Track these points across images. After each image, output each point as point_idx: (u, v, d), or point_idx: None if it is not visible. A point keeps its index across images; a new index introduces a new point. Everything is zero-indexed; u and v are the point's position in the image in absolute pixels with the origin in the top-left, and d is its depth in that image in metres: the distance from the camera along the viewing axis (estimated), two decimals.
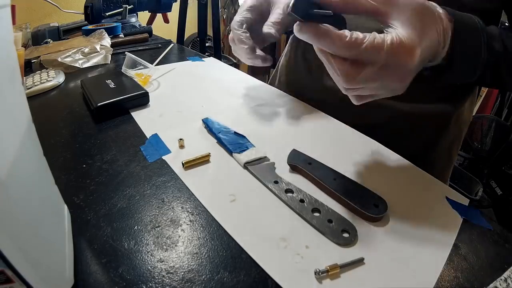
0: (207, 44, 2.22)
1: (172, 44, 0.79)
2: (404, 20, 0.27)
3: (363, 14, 0.28)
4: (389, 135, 0.43)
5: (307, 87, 0.55)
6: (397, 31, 0.27)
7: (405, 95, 0.33)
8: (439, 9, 0.30)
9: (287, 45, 0.63)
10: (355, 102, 0.33)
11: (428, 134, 0.51)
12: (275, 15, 0.46)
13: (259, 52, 0.46)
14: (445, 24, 0.30)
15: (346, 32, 0.26)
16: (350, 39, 0.26)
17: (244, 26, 0.46)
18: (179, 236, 0.27)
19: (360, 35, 0.26)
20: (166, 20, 1.34)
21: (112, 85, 0.50)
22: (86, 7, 0.89)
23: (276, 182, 0.33)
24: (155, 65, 0.59)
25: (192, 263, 0.25)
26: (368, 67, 0.27)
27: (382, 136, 0.43)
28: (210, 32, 1.74)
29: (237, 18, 0.47)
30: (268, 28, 0.45)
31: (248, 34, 0.45)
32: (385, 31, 0.28)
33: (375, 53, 0.26)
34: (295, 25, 0.27)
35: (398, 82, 0.29)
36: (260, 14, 0.48)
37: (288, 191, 0.32)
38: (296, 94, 0.55)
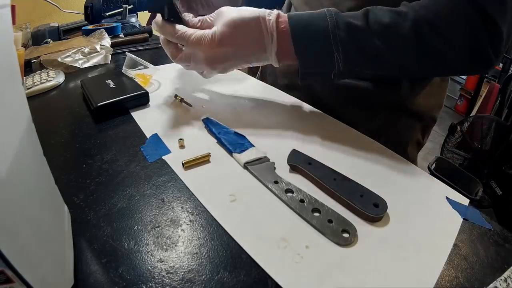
0: None
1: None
2: (220, 26, 0.38)
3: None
4: (334, 110, 0.48)
5: (282, 73, 0.61)
6: (209, 31, 0.39)
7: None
8: (270, 23, 0.38)
9: None
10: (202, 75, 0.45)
11: (384, 115, 0.52)
12: None
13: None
14: (272, 35, 0.38)
15: (178, 28, 0.40)
16: (177, 32, 0.40)
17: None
18: (179, 236, 0.27)
19: (184, 30, 0.39)
20: None
21: (112, 85, 0.50)
22: (86, 7, 0.89)
23: (276, 182, 0.33)
24: (131, 53, 0.59)
25: (192, 263, 0.25)
26: (182, 51, 0.42)
27: (329, 111, 0.47)
28: None
29: None
30: None
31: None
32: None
33: (183, 42, 0.40)
34: (154, 21, 0.42)
35: (204, 65, 0.41)
36: None
37: (288, 191, 0.32)
38: (271, 81, 0.61)
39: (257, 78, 0.62)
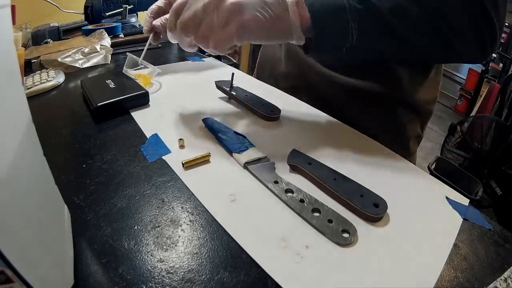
0: None
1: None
2: None
3: None
4: (342, 109, 0.49)
5: (283, 76, 0.61)
6: None
7: (345, 69, 0.49)
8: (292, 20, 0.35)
9: None
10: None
11: (379, 110, 0.53)
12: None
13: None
14: (293, 18, 0.35)
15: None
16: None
17: (152, 12, 0.53)
18: (179, 236, 0.27)
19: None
20: None
21: (112, 85, 0.50)
22: (86, 7, 0.89)
23: (276, 182, 0.33)
24: (142, 59, 0.59)
25: (192, 263, 0.25)
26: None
27: (336, 110, 0.48)
28: None
29: (152, 5, 0.54)
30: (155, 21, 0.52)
31: (150, 18, 0.52)
32: None
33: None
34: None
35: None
36: (170, 4, 0.54)
37: (288, 191, 0.32)
38: (267, 76, 0.62)
39: None
